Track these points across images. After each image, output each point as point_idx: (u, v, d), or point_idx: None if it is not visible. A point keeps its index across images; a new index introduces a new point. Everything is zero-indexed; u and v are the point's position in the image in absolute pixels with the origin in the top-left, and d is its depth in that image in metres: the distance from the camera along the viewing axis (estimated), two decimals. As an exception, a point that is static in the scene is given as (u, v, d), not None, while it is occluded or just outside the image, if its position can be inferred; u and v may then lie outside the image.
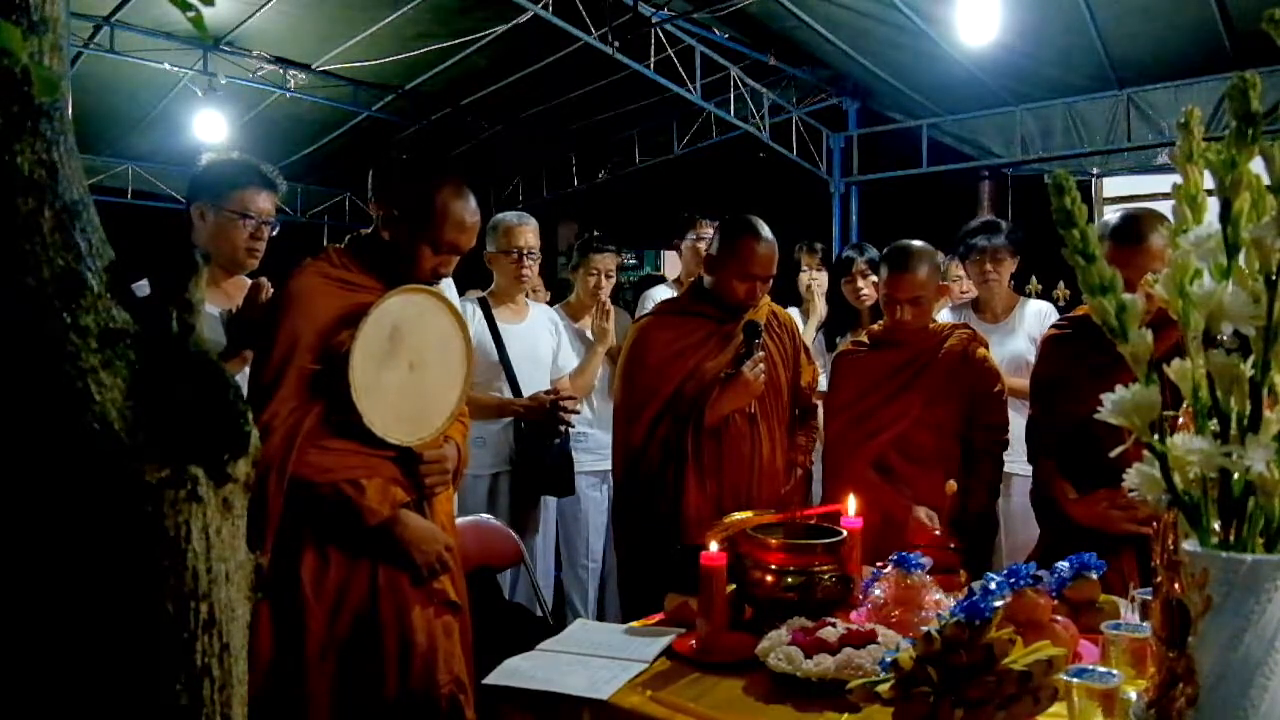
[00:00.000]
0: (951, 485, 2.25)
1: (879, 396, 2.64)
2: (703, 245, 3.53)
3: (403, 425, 1.92)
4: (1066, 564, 1.87)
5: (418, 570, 1.93)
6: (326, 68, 6.43)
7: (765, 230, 2.55)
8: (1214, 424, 0.95)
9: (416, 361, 1.95)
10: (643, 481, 2.56)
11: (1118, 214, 2.29)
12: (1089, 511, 2.19)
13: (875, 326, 2.78)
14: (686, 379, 2.54)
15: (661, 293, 3.59)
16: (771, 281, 2.61)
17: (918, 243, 2.64)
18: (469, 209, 2.02)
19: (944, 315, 3.35)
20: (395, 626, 1.90)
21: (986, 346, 2.71)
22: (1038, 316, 3.35)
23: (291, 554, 1.85)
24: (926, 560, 1.90)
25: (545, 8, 5.24)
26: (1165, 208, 1.03)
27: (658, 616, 2.05)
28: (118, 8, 5.41)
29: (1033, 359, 3.03)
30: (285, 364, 1.86)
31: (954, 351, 2.63)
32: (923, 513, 2.41)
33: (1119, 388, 0.96)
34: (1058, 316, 3.14)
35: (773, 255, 2.56)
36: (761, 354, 2.52)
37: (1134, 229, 2.16)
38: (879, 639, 1.66)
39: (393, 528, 1.90)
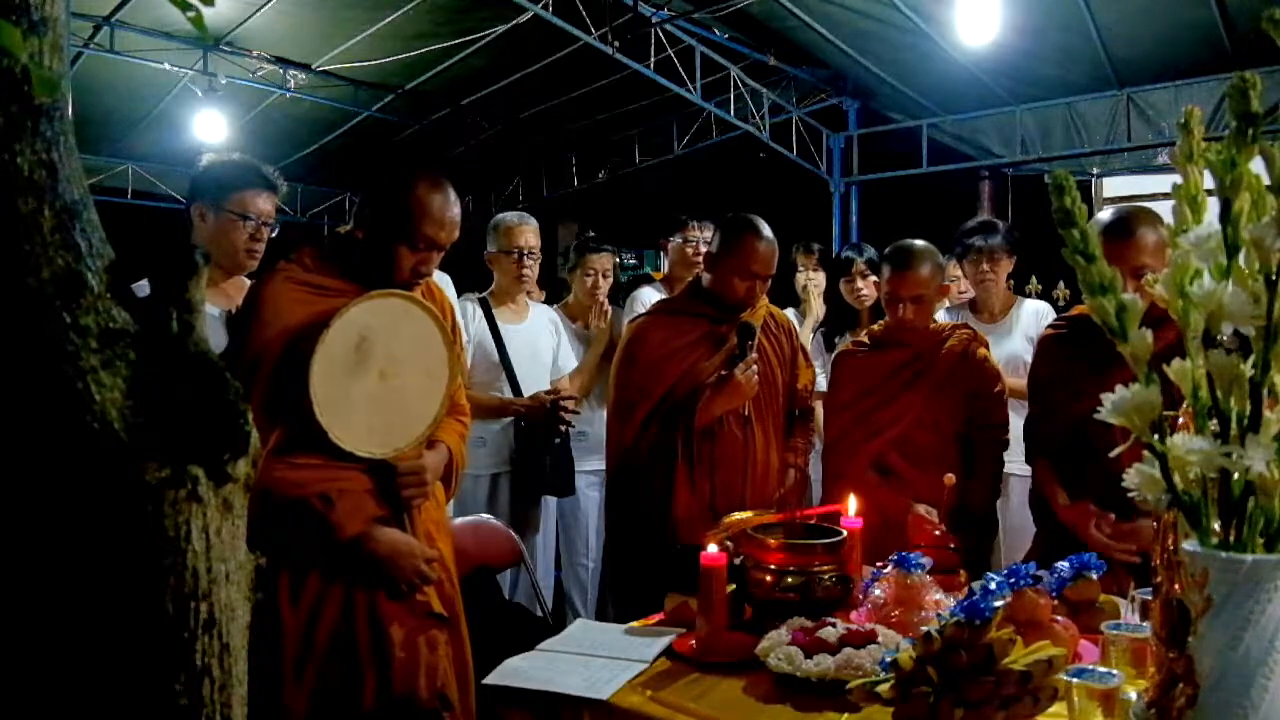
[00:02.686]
0: (950, 478, 2.25)
1: (879, 396, 2.64)
2: (690, 249, 3.52)
3: (375, 438, 1.83)
4: (1066, 564, 1.87)
5: (395, 585, 1.86)
6: (326, 68, 6.43)
7: (766, 229, 2.55)
8: (1214, 424, 0.95)
9: (389, 370, 1.85)
10: (634, 480, 2.56)
11: (1109, 211, 2.33)
12: (1076, 519, 2.22)
13: (876, 326, 2.78)
14: (680, 379, 2.54)
15: (649, 294, 3.58)
16: (770, 281, 2.61)
17: (920, 242, 2.64)
18: (447, 202, 1.91)
19: (940, 315, 3.35)
20: (370, 640, 1.84)
21: (987, 347, 2.71)
22: (1035, 316, 3.35)
23: (268, 566, 1.80)
24: (926, 560, 1.90)
25: (545, 8, 5.24)
26: (1165, 208, 1.02)
27: (658, 616, 2.05)
28: (118, 8, 5.41)
29: (1030, 359, 3.04)
30: (252, 375, 1.77)
31: (954, 351, 2.63)
32: (921, 508, 2.41)
33: (1119, 387, 0.96)
34: (1055, 316, 3.15)
35: (773, 254, 2.56)
36: (754, 356, 2.51)
37: (1123, 223, 2.18)
38: (879, 639, 1.66)
39: (365, 543, 1.83)
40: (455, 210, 1.95)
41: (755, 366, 2.50)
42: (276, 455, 1.76)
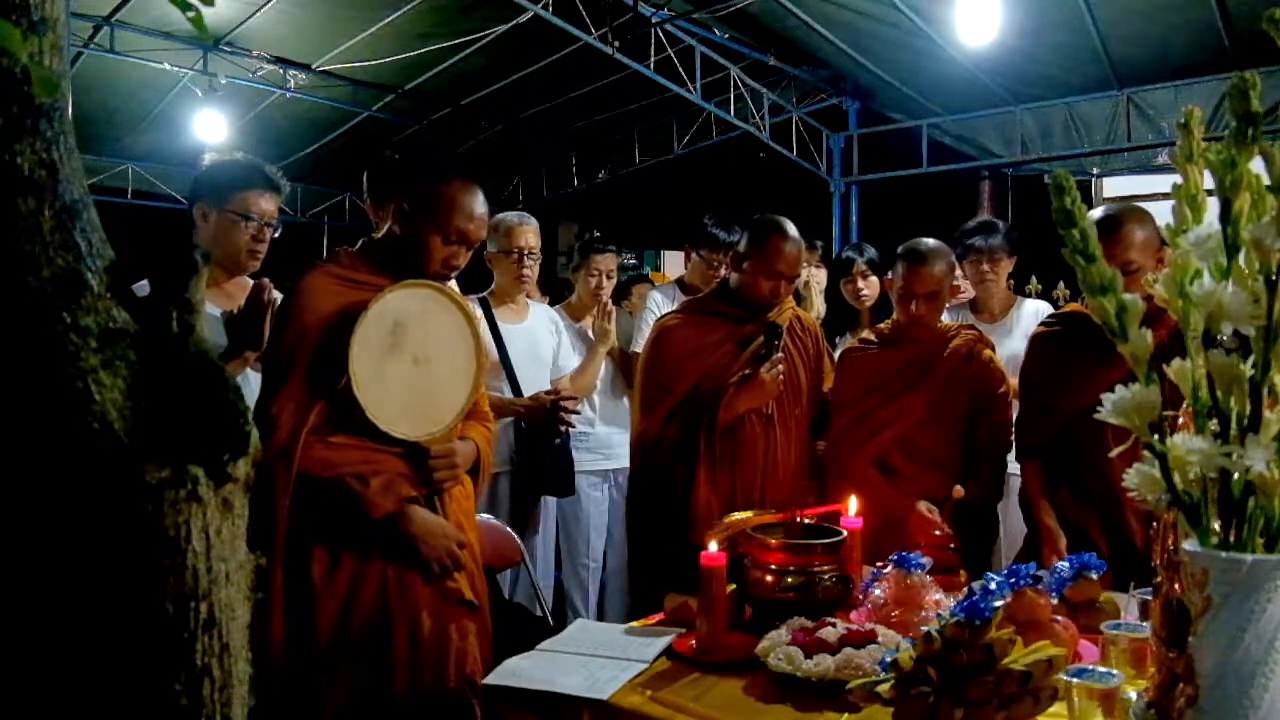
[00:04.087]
0: (959, 490, 2.26)
1: (883, 395, 2.64)
2: (712, 273, 3.52)
3: (408, 419, 1.92)
4: (1066, 564, 1.88)
5: (427, 566, 1.92)
6: (326, 68, 6.43)
7: (792, 229, 2.58)
8: (1214, 424, 0.95)
9: (421, 356, 1.95)
10: (655, 476, 2.59)
11: (1098, 210, 2.37)
12: (1043, 544, 2.28)
13: (884, 325, 2.78)
14: (704, 377, 2.56)
15: (659, 297, 3.58)
16: (796, 282, 2.62)
17: (934, 240, 2.66)
18: (479, 202, 2.03)
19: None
20: (405, 625, 1.89)
21: (993, 348, 2.72)
22: (1035, 316, 3.34)
23: (303, 549, 1.85)
24: (926, 560, 1.90)
25: (545, 8, 5.24)
26: (1165, 208, 1.02)
27: (658, 616, 2.05)
28: (118, 8, 5.42)
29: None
30: (291, 359, 1.89)
31: (959, 352, 2.64)
32: (923, 506, 2.42)
33: (1118, 387, 0.96)
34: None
35: (799, 255, 2.59)
36: (780, 355, 2.53)
37: (1108, 220, 2.22)
38: (879, 639, 1.66)
39: (398, 521, 1.89)
40: (485, 210, 2.06)
41: (780, 366, 2.52)
42: (315, 436, 1.86)
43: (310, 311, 1.92)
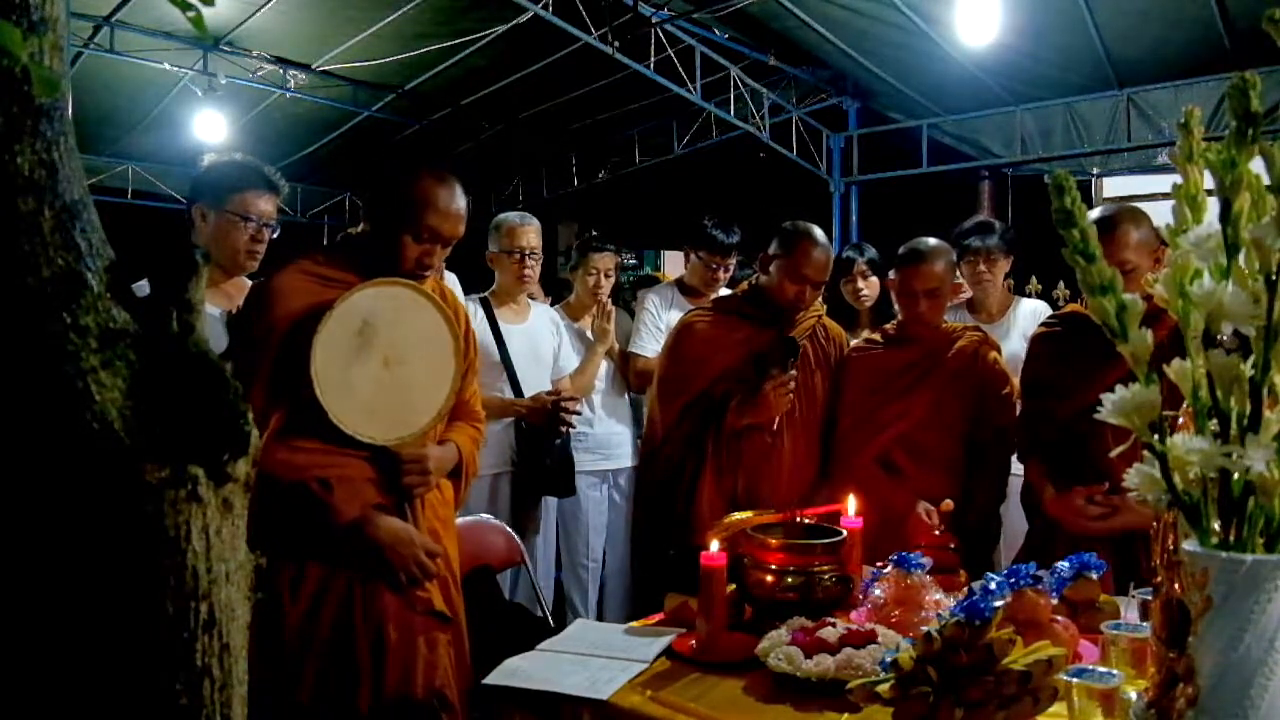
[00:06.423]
0: (948, 504, 2.27)
1: (886, 394, 2.65)
2: (710, 274, 3.52)
3: (376, 423, 1.84)
4: (1066, 564, 1.88)
5: (394, 574, 1.85)
6: (326, 68, 6.43)
7: (822, 237, 2.61)
8: (1214, 424, 0.95)
9: (393, 357, 1.87)
10: (662, 472, 2.60)
11: (1095, 211, 2.37)
12: (1064, 509, 2.22)
13: (889, 325, 2.79)
14: (720, 376, 2.58)
15: (653, 299, 3.58)
16: (822, 288, 2.67)
17: (934, 239, 2.67)
18: (451, 196, 1.93)
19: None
20: (368, 635, 1.82)
21: (998, 349, 2.72)
22: (1032, 316, 3.35)
23: (271, 559, 1.80)
24: (926, 560, 1.90)
25: (545, 8, 5.25)
26: (1165, 208, 1.02)
27: (658, 616, 2.05)
28: (118, 8, 5.42)
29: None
30: (257, 360, 1.80)
31: (964, 352, 2.64)
32: (922, 508, 2.42)
33: (1118, 387, 0.96)
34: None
35: (827, 262, 2.62)
36: (794, 373, 2.54)
37: (1105, 221, 2.22)
38: (879, 639, 1.66)
39: (363, 528, 1.81)
40: (459, 203, 1.95)
41: (792, 385, 2.52)
42: (277, 440, 1.77)
43: (278, 309, 1.84)
